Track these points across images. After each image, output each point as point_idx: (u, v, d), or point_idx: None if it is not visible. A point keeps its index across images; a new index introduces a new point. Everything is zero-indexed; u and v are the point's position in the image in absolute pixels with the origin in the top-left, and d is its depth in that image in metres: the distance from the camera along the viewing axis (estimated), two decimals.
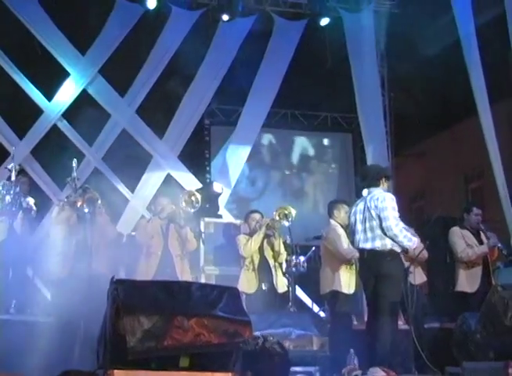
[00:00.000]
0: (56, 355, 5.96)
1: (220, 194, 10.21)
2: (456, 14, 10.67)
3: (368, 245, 6.03)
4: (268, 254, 7.93)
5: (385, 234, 5.95)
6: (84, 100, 10.88)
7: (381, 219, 5.95)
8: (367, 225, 6.05)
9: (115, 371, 3.83)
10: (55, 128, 10.92)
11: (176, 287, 4.28)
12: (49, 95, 10.93)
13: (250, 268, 7.83)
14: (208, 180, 11.92)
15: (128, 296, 4.02)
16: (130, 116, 11.14)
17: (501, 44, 10.20)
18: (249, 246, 7.83)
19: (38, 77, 10.87)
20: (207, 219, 9.22)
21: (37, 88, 10.86)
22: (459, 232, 7.86)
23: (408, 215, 11.00)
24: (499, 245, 7.84)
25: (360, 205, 6.18)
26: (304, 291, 9.65)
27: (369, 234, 6.04)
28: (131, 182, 11.04)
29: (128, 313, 3.93)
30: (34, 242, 7.88)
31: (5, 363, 5.63)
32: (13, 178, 7.34)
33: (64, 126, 10.95)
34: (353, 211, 6.28)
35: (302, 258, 8.32)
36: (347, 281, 7.05)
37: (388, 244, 5.96)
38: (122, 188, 10.93)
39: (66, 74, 10.98)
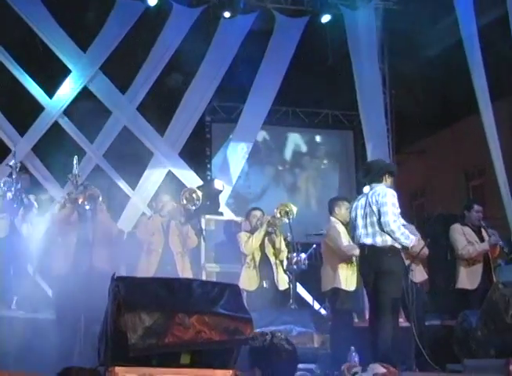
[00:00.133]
0: (57, 351, 5.98)
1: (221, 191, 10.21)
2: (458, 13, 10.65)
3: (368, 241, 6.01)
4: (269, 251, 7.94)
5: (383, 230, 5.93)
6: (85, 97, 10.87)
7: (380, 214, 5.93)
8: (368, 220, 6.02)
9: (116, 368, 3.84)
10: (56, 125, 10.92)
11: (177, 284, 4.29)
12: (50, 92, 10.93)
13: (251, 265, 7.83)
14: (209, 177, 11.93)
15: (129, 293, 4.02)
16: (131, 113, 11.14)
17: (503, 42, 10.19)
18: (250, 243, 7.83)
19: (39, 74, 10.88)
20: (207, 216, 9.22)
21: (39, 85, 10.86)
22: (460, 229, 7.86)
23: (408, 213, 11.01)
24: (501, 243, 7.84)
25: (362, 200, 6.14)
26: (305, 288, 9.64)
27: (369, 230, 6.01)
28: (132, 179, 11.04)
29: (129, 310, 3.93)
30: (35, 239, 7.87)
31: (6, 359, 5.64)
32: (14, 175, 7.35)
33: (65, 123, 10.96)
34: (354, 205, 6.24)
35: (303, 256, 8.33)
36: (348, 278, 7.04)
37: (389, 240, 5.94)
38: (123, 185, 10.94)
39: (67, 71, 10.99)
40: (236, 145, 11.76)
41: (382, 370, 5.39)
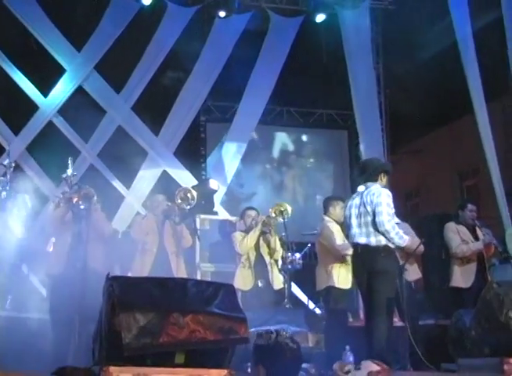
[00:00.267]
0: (52, 351, 5.98)
1: (216, 191, 10.19)
2: (453, 15, 10.68)
3: (362, 240, 6.00)
4: (264, 251, 7.94)
5: (377, 230, 5.93)
6: (79, 97, 10.85)
7: (375, 214, 5.93)
8: (362, 220, 6.02)
9: (111, 367, 3.84)
10: (50, 125, 10.91)
11: (172, 284, 4.29)
12: (45, 92, 10.92)
13: (246, 265, 7.83)
14: (204, 177, 11.91)
15: (123, 293, 4.02)
16: (125, 112, 11.14)
17: (497, 42, 10.23)
18: (245, 243, 7.83)
19: (34, 73, 10.87)
20: (202, 216, 9.21)
21: (33, 84, 10.86)
22: (454, 227, 7.88)
23: (403, 213, 11.02)
24: (495, 242, 7.86)
25: (356, 200, 6.14)
26: (300, 287, 9.65)
27: (363, 229, 6.01)
28: (127, 179, 11.03)
29: (123, 310, 3.93)
30: (30, 238, 7.86)
31: (0, 359, 5.62)
32: (9, 174, 7.33)
33: (60, 122, 10.95)
34: (349, 204, 6.23)
35: (298, 255, 8.32)
36: (342, 277, 7.04)
37: (383, 240, 5.94)
38: (118, 184, 10.93)
39: (61, 71, 10.97)
40: (230, 144, 11.76)
41: (376, 367, 5.38)
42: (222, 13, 11.64)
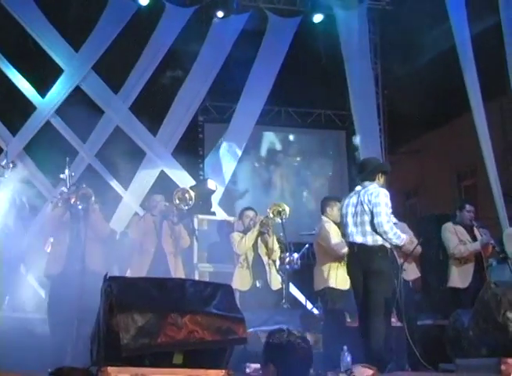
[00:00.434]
0: (50, 351, 5.97)
1: (214, 191, 10.20)
2: (452, 17, 10.69)
3: (358, 239, 6.00)
4: (262, 251, 7.93)
5: (375, 230, 5.93)
6: (77, 97, 10.85)
7: (373, 214, 5.92)
8: (358, 219, 6.01)
9: (109, 368, 3.83)
10: (48, 125, 10.90)
11: (170, 284, 4.28)
12: (43, 92, 10.91)
13: (244, 265, 7.83)
14: (202, 177, 11.92)
15: (121, 293, 4.01)
16: (123, 113, 11.13)
17: (496, 46, 10.24)
18: (243, 243, 7.83)
19: (32, 73, 10.86)
20: (200, 216, 9.22)
21: (31, 85, 10.85)
22: (452, 227, 7.88)
23: (401, 212, 11.03)
24: (492, 242, 7.86)
25: (353, 198, 6.13)
26: (298, 288, 9.65)
27: (359, 228, 6.00)
28: (125, 179, 11.02)
29: (121, 310, 3.92)
30: (28, 239, 7.85)
31: None
32: (7, 174, 7.33)
33: (57, 123, 10.94)
34: (345, 203, 6.21)
35: (296, 256, 8.31)
36: (340, 278, 7.03)
37: (379, 239, 5.94)
38: (115, 185, 10.93)
39: (59, 71, 10.97)
40: (228, 145, 11.76)
41: (369, 371, 5.37)
42: (220, 14, 11.65)
